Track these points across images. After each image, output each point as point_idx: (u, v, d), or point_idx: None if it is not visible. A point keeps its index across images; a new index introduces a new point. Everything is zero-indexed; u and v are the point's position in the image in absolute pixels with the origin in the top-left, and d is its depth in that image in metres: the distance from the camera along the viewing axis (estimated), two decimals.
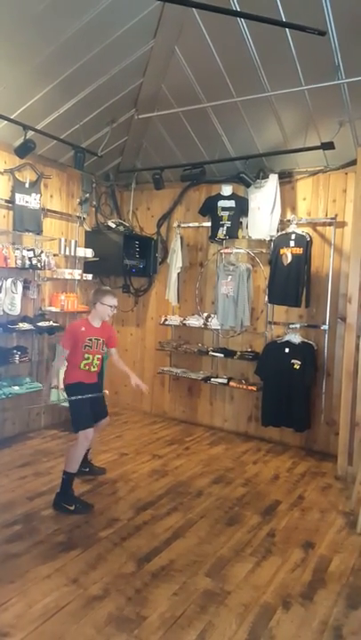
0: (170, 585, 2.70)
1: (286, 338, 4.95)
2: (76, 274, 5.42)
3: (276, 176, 4.98)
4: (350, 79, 3.75)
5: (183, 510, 3.61)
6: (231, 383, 5.36)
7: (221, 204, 5.35)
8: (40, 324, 4.94)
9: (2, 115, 4.12)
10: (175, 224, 5.87)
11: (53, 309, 5.23)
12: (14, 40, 3.61)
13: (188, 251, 5.80)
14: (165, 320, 5.87)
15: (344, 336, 4.47)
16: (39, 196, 5.00)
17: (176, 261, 5.68)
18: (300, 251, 4.79)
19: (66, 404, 4.17)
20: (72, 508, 3.46)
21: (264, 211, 5.00)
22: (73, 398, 3.63)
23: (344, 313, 4.54)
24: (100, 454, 4.61)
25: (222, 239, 5.38)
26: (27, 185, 4.88)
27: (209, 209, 5.48)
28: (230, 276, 5.20)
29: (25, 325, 4.75)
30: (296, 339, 4.90)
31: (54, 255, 5.10)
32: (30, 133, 4.29)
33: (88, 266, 5.64)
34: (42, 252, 4.88)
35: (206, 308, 5.72)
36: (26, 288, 4.86)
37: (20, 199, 4.80)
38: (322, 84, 3.84)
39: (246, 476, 4.32)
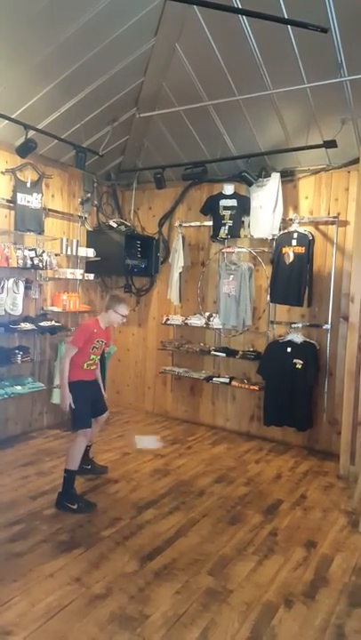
0: (172, 583, 2.70)
1: (288, 337, 4.94)
2: (78, 273, 5.42)
3: (279, 175, 4.97)
4: (353, 77, 3.74)
5: (185, 509, 3.61)
6: (233, 383, 5.35)
7: (223, 203, 5.34)
8: (42, 323, 4.94)
9: (3, 114, 4.12)
10: (177, 223, 5.86)
11: (55, 309, 5.23)
12: (14, 39, 3.61)
13: (189, 250, 5.80)
14: (167, 320, 5.87)
15: (346, 335, 4.45)
16: (40, 195, 5.00)
17: (178, 261, 5.67)
18: (302, 250, 4.78)
19: None
20: (75, 507, 3.46)
21: (266, 210, 4.99)
22: (72, 397, 3.63)
23: (346, 312, 4.52)
24: (103, 453, 4.61)
25: (224, 238, 5.37)
26: (28, 185, 4.88)
27: (211, 208, 5.47)
28: (232, 276, 5.20)
29: (27, 325, 4.75)
30: (298, 338, 4.89)
31: (56, 255, 5.10)
32: (31, 133, 4.30)
33: (90, 265, 5.64)
34: (43, 251, 4.88)
35: (208, 308, 5.71)
36: (27, 288, 4.85)
37: (22, 199, 4.80)
38: (324, 81, 3.83)
39: (248, 476, 4.32)
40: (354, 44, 3.53)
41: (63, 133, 4.76)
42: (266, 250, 5.22)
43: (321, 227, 5.00)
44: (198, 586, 2.69)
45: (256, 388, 5.18)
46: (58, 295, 5.32)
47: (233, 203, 5.30)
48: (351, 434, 4.31)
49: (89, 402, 3.69)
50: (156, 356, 6.14)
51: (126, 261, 5.67)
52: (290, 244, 4.85)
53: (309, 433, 5.05)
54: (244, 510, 3.64)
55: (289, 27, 3.47)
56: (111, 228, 5.79)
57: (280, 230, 4.99)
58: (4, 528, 3.20)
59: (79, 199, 5.65)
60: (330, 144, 4.27)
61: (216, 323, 5.44)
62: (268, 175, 4.99)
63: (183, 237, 5.74)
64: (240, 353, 5.34)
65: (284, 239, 4.90)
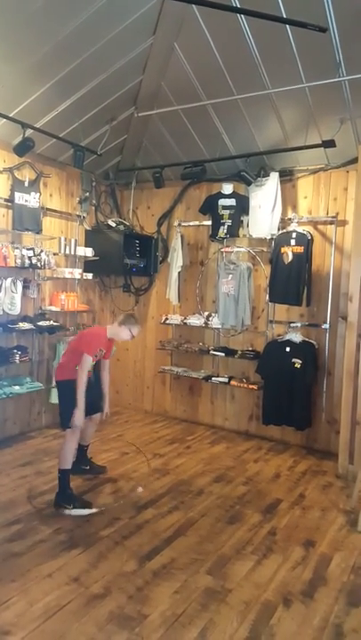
0: (171, 583, 2.69)
1: (287, 337, 4.94)
2: (77, 273, 5.41)
3: (277, 174, 4.97)
4: (352, 76, 3.73)
5: (184, 509, 3.60)
6: (232, 382, 5.35)
7: (222, 202, 5.34)
8: (40, 323, 4.93)
9: (0, 113, 4.11)
10: (176, 223, 5.85)
11: (54, 309, 5.22)
12: (11, 38, 3.59)
13: (188, 249, 5.79)
14: (166, 319, 5.86)
15: (345, 335, 4.46)
16: (38, 194, 4.99)
17: (177, 260, 5.66)
18: (300, 249, 4.78)
19: None
20: (70, 507, 3.45)
21: (265, 209, 4.98)
22: (60, 394, 3.63)
23: (345, 312, 4.52)
24: (101, 453, 4.60)
25: (223, 238, 5.37)
26: (26, 184, 4.87)
27: (209, 207, 5.46)
28: (231, 275, 5.19)
29: (25, 325, 4.74)
30: (297, 337, 4.89)
31: (54, 254, 5.09)
32: (29, 132, 4.29)
33: (88, 265, 5.63)
34: (41, 251, 4.87)
35: (207, 307, 5.71)
36: (26, 287, 4.84)
37: (20, 198, 4.79)
38: (323, 81, 3.83)
39: (247, 475, 4.32)
40: (352, 44, 3.53)
41: (61, 132, 4.75)
42: (265, 249, 5.22)
43: (320, 226, 5.00)
44: (197, 585, 2.69)
45: (255, 387, 5.18)
46: (56, 295, 5.31)
47: (232, 202, 5.30)
48: (350, 433, 4.31)
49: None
50: (154, 355, 6.14)
51: (125, 261, 5.66)
52: (289, 244, 4.84)
53: (308, 432, 5.05)
54: (243, 510, 3.64)
55: (288, 26, 3.47)
56: (110, 227, 5.79)
57: (279, 230, 4.99)
58: (2, 528, 3.19)
59: (77, 198, 5.64)
60: (328, 144, 4.27)
61: (215, 322, 5.44)
62: (266, 175, 4.99)
63: (182, 237, 5.73)
64: (239, 352, 5.34)
65: (283, 239, 4.90)
